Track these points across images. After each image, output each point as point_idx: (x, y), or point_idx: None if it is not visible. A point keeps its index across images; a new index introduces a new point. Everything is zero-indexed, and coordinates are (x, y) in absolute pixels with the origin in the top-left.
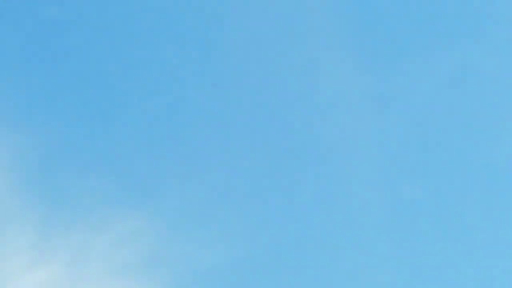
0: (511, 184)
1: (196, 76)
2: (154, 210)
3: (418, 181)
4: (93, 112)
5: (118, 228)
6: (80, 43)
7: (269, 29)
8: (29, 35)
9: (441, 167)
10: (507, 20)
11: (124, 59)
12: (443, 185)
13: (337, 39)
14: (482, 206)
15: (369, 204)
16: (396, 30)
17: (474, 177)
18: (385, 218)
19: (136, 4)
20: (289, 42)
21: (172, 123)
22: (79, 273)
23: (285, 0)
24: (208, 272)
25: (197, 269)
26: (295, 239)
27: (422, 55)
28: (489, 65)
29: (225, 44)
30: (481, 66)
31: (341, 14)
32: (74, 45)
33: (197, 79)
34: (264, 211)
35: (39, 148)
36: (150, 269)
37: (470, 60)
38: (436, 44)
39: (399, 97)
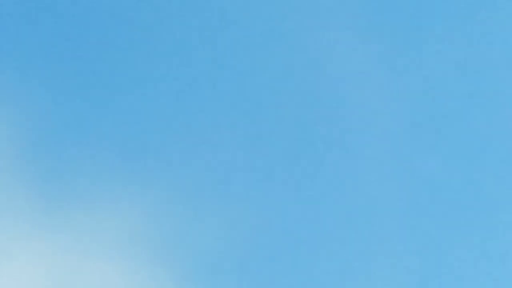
0: None
1: (205, 45)
2: (159, 186)
3: (434, 155)
4: (96, 85)
5: (120, 204)
6: (80, 9)
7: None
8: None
9: (458, 140)
10: None
11: (127, 25)
12: (459, 159)
13: (349, 11)
14: (502, 179)
15: (383, 179)
16: (411, 3)
17: (493, 150)
18: (399, 193)
19: None
20: (300, 18)
21: (179, 93)
22: (79, 250)
23: None
24: (214, 251)
25: (203, 247)
26: (306, 215)
27: (438, 28)
28: (506, 38)
29: (234, 19)
30: (498, 39)
31: None
32: (74, 12)
33: (206, 47)
34: (274, 187)
35: (37, 121)
36: (152, 247)
37: (487, 33)
38: (454, 18)
39: (414, 68)
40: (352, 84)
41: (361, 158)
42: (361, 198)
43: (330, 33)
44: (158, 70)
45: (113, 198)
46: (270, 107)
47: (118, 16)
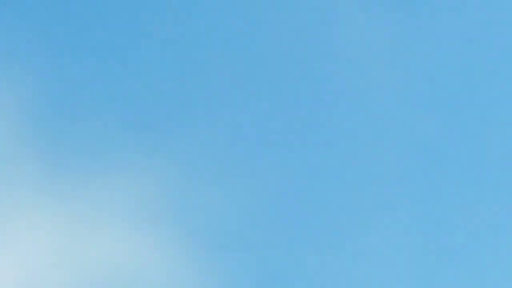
0: None
1: (207, 9)
2: (165, 158)
3: (435, 117)
4: (103, 56)
5: (127, 175)
6: None
7: None
8: None
9: (461, 102)
10: None
11: None
12: (462, 121)
13: None
14: (505, 143)
15: (384, 141)
16: None
17: (498, 113)
18: (400, 156)
19: None
20: None
21: (183, 68)
22: (85, 222)
23: None
24: (220, 222)
25: (209, 220)
26: (308, 186)
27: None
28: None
29: None
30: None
31: None
32: None
33: (208, 12)
34: (280, 157)
35: (43, 94)
36: (158, 218)
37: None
38: None
39: (418, 34)
40: (356, 49)
41: (364, 116)
42: (365, 157)
43: (336, 5)
44: (162, 37)
45: (120, 166)
46: (275, 71)
47: None
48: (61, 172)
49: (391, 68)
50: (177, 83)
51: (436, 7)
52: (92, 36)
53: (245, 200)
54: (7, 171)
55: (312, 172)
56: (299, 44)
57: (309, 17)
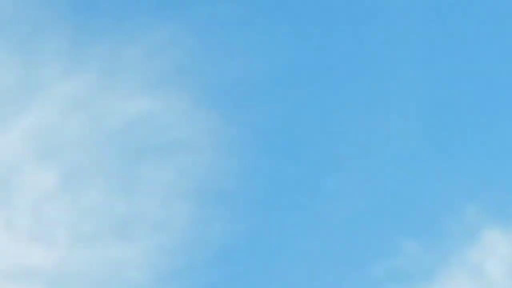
0: None
1: None
2: (185, 21)
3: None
4: None
5: (150, 38)
6: None
7: None
8: None
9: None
10: None
11: None
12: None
13: None
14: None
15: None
16: None
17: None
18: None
19: None
20: None
21: None
22: (110, 83)
23: None
24: (238, 83)
25: (227, 80)
26: (325, 53)
27: None
28: None
29: None
30: None
31: None
32: None
33: None
34: (296, 23)
35: None
36: (180, 79)
37: None
38: None
39: None
40: None
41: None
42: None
43: None
44: None
45: (142, 32)
46: None
47: None
48: (87, 40)
49: None
50: None
51: None
52: None
53: (260, 63)
54: (33, 40)
55: (324, 41)
56: None
57: None
